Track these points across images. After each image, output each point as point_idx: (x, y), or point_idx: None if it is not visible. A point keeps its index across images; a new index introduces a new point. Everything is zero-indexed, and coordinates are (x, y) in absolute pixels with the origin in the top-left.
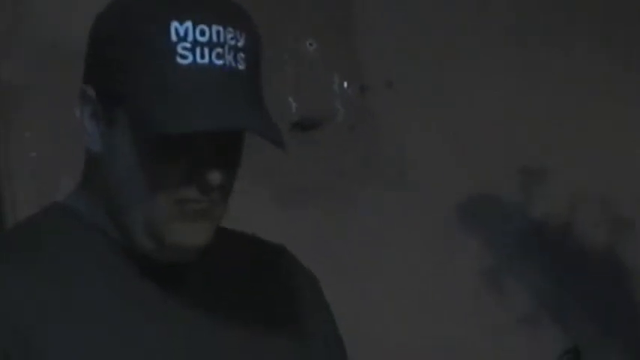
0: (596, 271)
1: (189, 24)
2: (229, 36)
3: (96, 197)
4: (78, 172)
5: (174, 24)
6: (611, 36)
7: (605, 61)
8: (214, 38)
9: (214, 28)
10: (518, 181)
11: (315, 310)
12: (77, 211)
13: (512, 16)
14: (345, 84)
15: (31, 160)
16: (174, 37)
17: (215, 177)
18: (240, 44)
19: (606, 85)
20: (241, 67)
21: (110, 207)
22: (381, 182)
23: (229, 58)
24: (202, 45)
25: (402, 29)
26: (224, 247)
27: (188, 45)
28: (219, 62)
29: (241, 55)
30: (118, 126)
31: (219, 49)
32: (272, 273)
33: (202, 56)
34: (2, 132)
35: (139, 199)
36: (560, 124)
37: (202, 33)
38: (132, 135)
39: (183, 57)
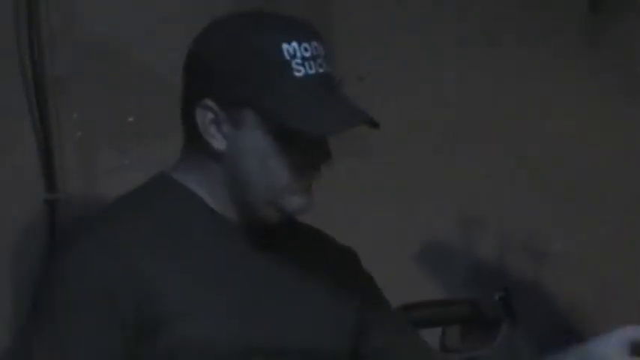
0: None
1: (295, 44)
2: (320, 47)
3: (207, 181)
4: (114, 148)
5: (285, 45)
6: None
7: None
8: (314, 52)
9: (312, 43)
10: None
11: (358, 276)
12: (184, 185)
13: (485, 16)
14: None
15: (78, 138)
16: (287, 56)
17: (330, 163)
18: (324, 52)
19: (570, 86)
20: (331, 69)
21: (234, 189)
22: (354, 156)
23: (325, 65)
24: (308, 59)
25: (374, 32)
26: (292, 226)
27: (299, 61)
28: (322, 70)
29: (328, 60)
30: (247, 127)
31: (320, 60)
32: (324, 246)
33: (311, 67)
34: (54, 114)
35: (269, 182)
36: (521, 96)
37: (306, 50)
38: (263, 132)
39: (298, 71)
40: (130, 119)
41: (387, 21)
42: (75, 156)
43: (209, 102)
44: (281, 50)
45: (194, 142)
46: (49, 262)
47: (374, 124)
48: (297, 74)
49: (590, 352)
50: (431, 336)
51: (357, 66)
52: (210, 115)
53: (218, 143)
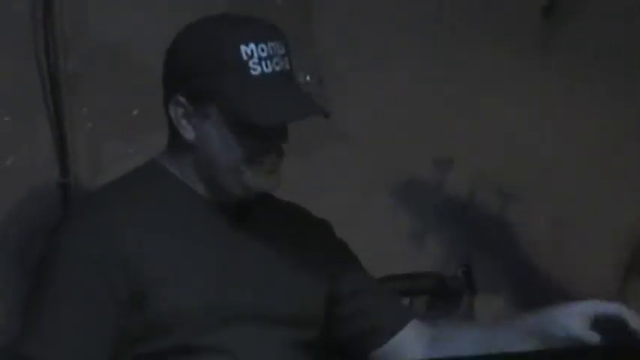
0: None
1: (253, 46)
2: (277, 47)
3: (186, 166)
4: (121, 139)
5: (243, 47)
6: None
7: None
8: (270, 52)
9: (269, 44)
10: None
11: (332, 244)
12: (171, 170)
13: (453, 19)
14: (308, 77)
15: (88, 129)
16: (244, 57)
17: (283, 148)
18: (283, 51)
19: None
20: (288, 67)
21: (205, 174)
22: (330, 145)
23: (282, 63)
24: (265, 59)
25: (350, 37)
26: (269, 203)
27: (256, 61)
28: (278, 68)
29: (286, 58)
30: (211, 119)
31: (276, 59)
32: (299, 219)
33: (267, 66)
34: (67, 108)
35: (231, 167)
36: (471, 113)
37: (262, 50)
38: (225, 124)
39: (254, 70)
40: (134, 112)
41: (362, 24)
42: (85, 145)
43: (180, 98)
44: (239, 52)
45: (174, 135)
46: (49, 240)
47: (325, 115)
48: (253, 73)
49: (551, 320)
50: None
51: (335, 65)
52: (180, 110)
53: (188, 134)
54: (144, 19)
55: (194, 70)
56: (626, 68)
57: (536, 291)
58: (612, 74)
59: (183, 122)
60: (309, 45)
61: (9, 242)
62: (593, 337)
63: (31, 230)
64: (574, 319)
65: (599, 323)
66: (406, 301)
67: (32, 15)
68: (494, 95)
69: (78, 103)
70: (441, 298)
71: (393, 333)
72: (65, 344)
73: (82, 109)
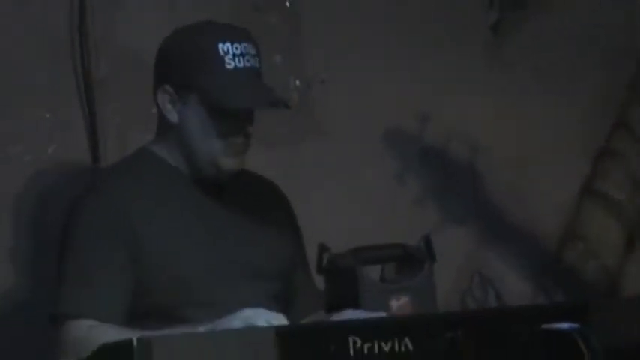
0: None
1: (228, 44)
2: (249, 47)
3: (171, 147)
4: (143, 130)
5: (219, 45)
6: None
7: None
8: (243, 50)
9: (242, 44)
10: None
11: (288, 214)
12: (159, 154)
13: (406, 38)
14: (297, 82)
15: (116, 123)
16: (221, 52)
17: (251, 130)
18: (254, 52)
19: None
20: (258, 65)
21: (185, 152)
22: (314, 141)
23: (252, 61)
24: (238, 56)
25: (332, 49)
26: (243, 178)
27: (231, 57)
28: (249, 64)
29: (256, 58)
30: (191, 105)
31: (247, 57)
32: (266, 191)
33: (240, 62)
34: (99, 105)
35: (207, 146)
36: (436, 99)
37: (236, 48)
38: (203, 109)
39: (229, 64)
40: (154, 110)
41: (342, 38)
42: (113, 136)
43: (167, 87)
44: (217, 48)
45: (161, 119)
46: (70, 214)
47: (285, 106)
48: (228, 66)
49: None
50: (374, 270)
51: (320, 72)
52: (167, 97)
53: (172, 117)
54: (164, 29)
55: (179, 63)
56: (562, 79)
57: (499, 227)
58: (550, 84)
59: (169, 107)
60: (298, 55)
61: (48, 224)
62: None
63: (66, 209)
64: None
65: None
66: (378, 267)
67: (69, 26)
68: (453, 97)
69: (107, 100)
70: (407, 264)
71: (303, 316)
72: (93, 297)
73: (111, 105)
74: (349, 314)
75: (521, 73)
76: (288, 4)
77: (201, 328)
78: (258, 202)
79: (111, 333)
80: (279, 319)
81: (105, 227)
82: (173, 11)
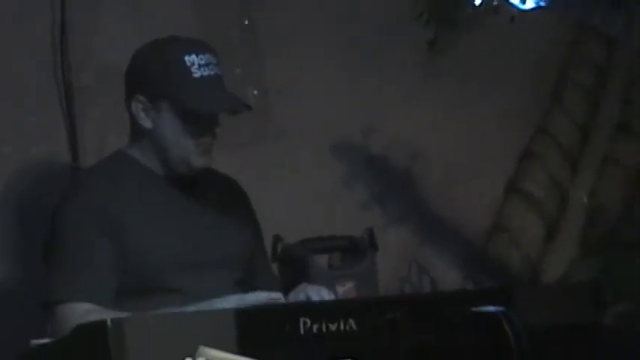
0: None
1: (193, 56)
2: (212, 58)
3: (145, 150)
4: (119, 135)
5: (186, 57)
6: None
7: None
8: (207, 61)
9: (206, 55)
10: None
11: (248, 209)
12: (133, 156)
13: (352, 52)
14: (256, 91)
15: (95, 126)
16: (188, 63)
17: (217, 130)
18: (215, 62)
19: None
20: (220, 72)
21: (158, 153)
22: (272, 142)
23: (215, 69)
24: (203, 65)
25: (287, 61)
26: (209, 177)
27: (197, 67)
28: (212, 72)
29: (218, 66)
30: (164, 111)
31: (211, 66)
32: (229, 188)
33: (204, 71)
34: (79, 111)
35: (179, 147)
36: (378, 109)
37: (201, 59)
38: (174, 114)
39: (195, 73)
40: (127, 115)
41: (297, 50)
42: (92, 138)
43: (140, 97)
44: (184, 60)
45: (135, 125)
46: (55, 213)
47: (248, 108)
48: (195, 75)
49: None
50: (323, 259)
51: (277, 81)
52: (140, 105)
53: (146, 123)
54: (136, 43)
55: (150, 74)
56: (489, 90)
57: (434, 223)
58: (480, 95)
59: (142, 115)
60: (256, 67)
61: (33, 217)
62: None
63: (50, 204)
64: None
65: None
66: (326, 256)
67: (51, 40)
68: (393, 109)
69: (86, 107)
70: (352, 254)
71: None
72: (84, 283)
73: (90, 112)
74: (307, 289)
75: (455, 85)
76: (246, 21)
77: (190, 308)
78: (223, 198)
79: (106, 316)
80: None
81: (88, 220)
82: (143, 27)
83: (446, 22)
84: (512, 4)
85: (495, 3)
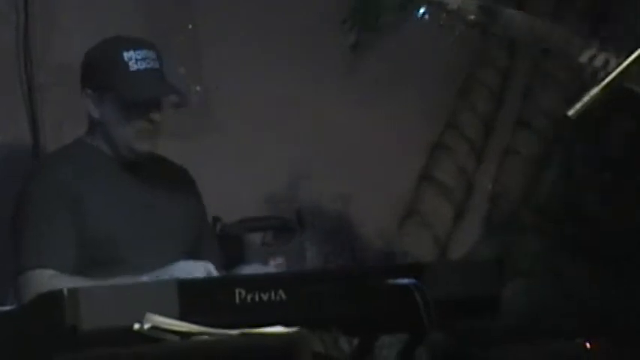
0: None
1: (131, 52)
2: (149, 53)
3: (98, 137)
4: (75, 127)
5: (124, 53)
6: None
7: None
8: (144, 55)
9: (143, 50)
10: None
11: (195, 192)
12: (90, 143)
13: (286, 52)
14: (198, 88)
15: (54, 118)
16: (126, 59)
17: (156, 117)
18: (154, 56)
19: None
20: (158, 66)
21: (108, 140)
22: (212, 132)
23: (152, 63)
24: (140, 60)
25: (227, 59)
26: (160, 163)
27: (134, 61)
28: (149, 66)
29: (156, 61)
30: (107, 102)
31: (149, 60)
32: (178, 173)
33: (142, 65)
34: (40, 106)
35: (122, 134)
36: (306, 102)
37: (139, 54)
38: (115, 104)
39: (132, 67)
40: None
41: (236, 50)
42: (51, 132)
43: (88, 90)
44: (122, 55)
45: (89, 116)
46: (21, 191)
47: (179, 93)
48: (132, 69)
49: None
50: (257, 237)
51: (217, 78)
52: (89, 98)
53: (95, 113)
54: (93, 44)
55: (94, 70)
56: (406, 88)
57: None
58: (397, 93)
59: (92, 106)
60: (198, 67)
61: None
62: None
63: (14, 188)
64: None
65: None
66: (259, 234)
67: (16, 41)
68: (318, 102)
69: (47, 103)
70: (283, 232)
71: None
72: (49, 251)
73: (50, 106)
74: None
75: (374, 84)
76: (190, 26)
77: (144, 278)
78: (173, 181)
79: (68, 281)
80: (209, 268)
81: (50, 198)
82: (97, 31)
83: (367, 28)
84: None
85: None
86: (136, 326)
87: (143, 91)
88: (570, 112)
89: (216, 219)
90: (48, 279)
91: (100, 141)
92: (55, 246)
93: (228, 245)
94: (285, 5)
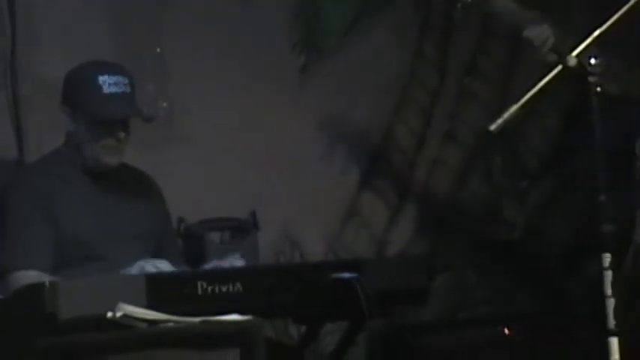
0: None
1: (106, 76)
2: (122, 79)
3: (73, 149)
4: (56, 136)
5: (99, 77)
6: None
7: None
8: (116, 80)
9: (117, 76)
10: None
11: (160, 198)
12: (67, 153)
13: (245, 72)
14: (164, 104)
15: (36, 127)
16: (100, 82)
17: (122, 136)
18: (127, 82)
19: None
20: (129, 91)
21: (79, 153)
22: (175, 147)
23: (124, 88)
24: (112, 84)
25: (189, 81)
26: (130, 172)
27: (107, 85)
28: (121, 90)
29: (128, 86)
30: (80, 119)
31: (120, 85)
32: (144, 181)
33: (114, 89)
34: (24, 115)
35: (90, 148)
36: (260, 117)
37: (111, 79)
38: (86, 122)
39: (105, 90)
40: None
41: (200, 70)
42: (35, 137)
43: (65, 107)
44: (97, 79)
45: (66, 128)
46: (6, 195)
47: (141, 116)
48: (104, 92)
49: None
50: (216, 235)
51: (182, 95)
52: (65, 113)
53: (70, 128)
54: (70, 62)
55: (72, 89)
56: (349, 102)
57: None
58: (340, 106)
59: (68, 120)
60: (164, 85)
61: None
62: None
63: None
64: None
65: None
66: (218, 234)
67: (3, 54)
68: (272, 118)
69: (30, 112)
70: (238, 232)
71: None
72: (30, 254)
73: (33, 117)
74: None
75: (321, 101)
76: (158, 49)
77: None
78: (140, 188)
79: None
80: (165, 264)
81: (31, 205)
82: (74, 49)
83: (315, 52)
84: None
85: None
86: (109, 314)
87: (112, 112)
88: (492, 127)
89: (180, 219)
90: (32, 279)
91: (75, 152)
92: (36, 249)
93: (190, 243)
94: (242, 31)
